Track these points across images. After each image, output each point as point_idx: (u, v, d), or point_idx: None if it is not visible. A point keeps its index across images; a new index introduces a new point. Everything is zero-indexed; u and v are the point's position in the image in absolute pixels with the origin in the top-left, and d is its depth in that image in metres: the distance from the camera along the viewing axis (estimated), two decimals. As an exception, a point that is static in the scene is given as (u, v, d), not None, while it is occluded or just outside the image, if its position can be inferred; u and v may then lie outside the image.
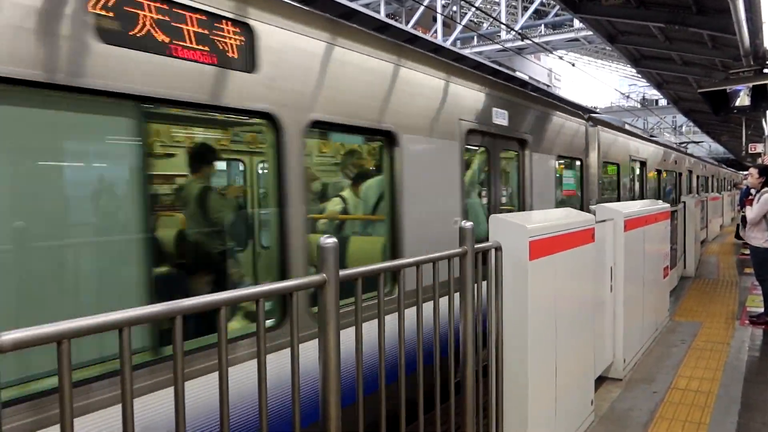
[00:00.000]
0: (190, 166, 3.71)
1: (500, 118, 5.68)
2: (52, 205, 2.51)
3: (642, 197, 11.55)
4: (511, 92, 6.03)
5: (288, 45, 3.30)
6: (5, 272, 2.30)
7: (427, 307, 2.59)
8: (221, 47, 2.89)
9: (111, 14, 2.43)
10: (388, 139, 4.16)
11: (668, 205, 7.51)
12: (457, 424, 2.86)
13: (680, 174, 16.36)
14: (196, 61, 2.77)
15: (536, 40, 22.42)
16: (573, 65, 17.48)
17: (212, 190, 3.73)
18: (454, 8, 28.14)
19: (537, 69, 35.94)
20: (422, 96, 4.54)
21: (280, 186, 3.22)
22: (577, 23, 22.67)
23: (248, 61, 3.04)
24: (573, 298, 3.85)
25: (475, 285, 2.89)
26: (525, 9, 26.24)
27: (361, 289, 2.18)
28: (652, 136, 16.68)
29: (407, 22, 25.98)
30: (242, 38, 3.00)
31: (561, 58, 19.33)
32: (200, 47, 2.79)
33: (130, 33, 2.50)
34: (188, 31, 2.73)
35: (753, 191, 8.05)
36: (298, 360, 1.92)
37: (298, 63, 3.36)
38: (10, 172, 2.36)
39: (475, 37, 26.78)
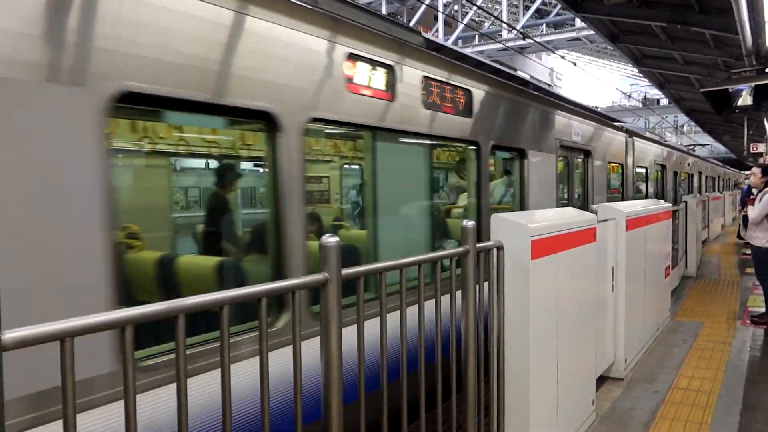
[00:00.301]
0: (459, 172, 6.48)
1: (577, 136, 7.84)
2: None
3: (663, 194, 13.63)
4: (581, 116, 8.20)
5: (484, 99, 5.36)
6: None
7: (430, 306, 2.59)
8: (459, 104, 4.97)
9: (431, 98, 4.61)
10: (520, 154, 6.24)
11: (669, 204, 7.51)
12: (459, 423, 2.86)
13: (692, 175, 18.50)
14: (449, 113, 4.83)
15: (537, 39, 22.41)
16: (575, 64, 17.44)
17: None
18: (456, 7, 28.13)
19: (538, 68, 35.92)
20: (540, 123, 6.65)
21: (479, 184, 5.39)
22: (578, 22, 22.66)
23: (468, 110, 5.09)
24: (574, 298, 3.84)
25: (477, 284, 2.89)
26: (526, 8, 26.23)
27: (363, 288, 2.18)
28: (665, 141, 17.86)
29: (408, 21, 25.99)
30: (465, 97, 5.06)
31: (563, 57, 19.28)
32: (451, 105, 4.86)
33: (431, 101, 4.60)
34: (449, 97, 4.85)
35: (754, 191, 8.04)
36: (300, 358, 1.92)
37: (488, 109, 5.44)
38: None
39: (477, 36, 26.79)
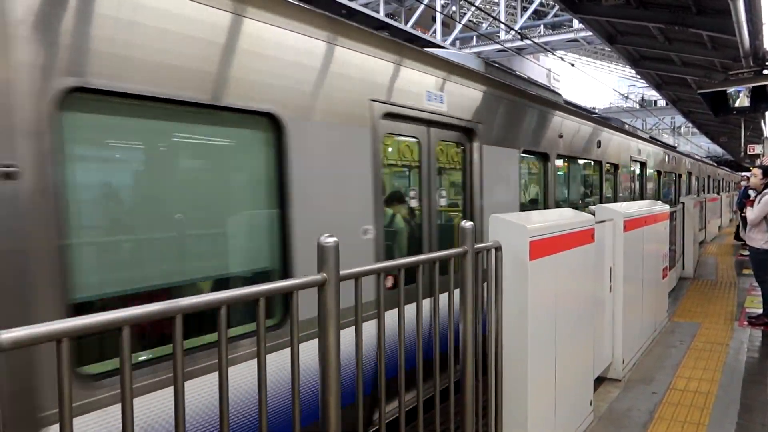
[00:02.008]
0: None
1: (640, 155, 11.15)
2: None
3: (677, 192, 15.54)
4: (641, 139, 11.38)
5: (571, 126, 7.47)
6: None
7: (429, 306, 2.59)
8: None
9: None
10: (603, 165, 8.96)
11: (667, 206, 7.52)
12: (457, 424, 2.85)
13: (699, 177, 20.41)
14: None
15: (535, 40, 22.42)
16: (573, 65, 17.46)
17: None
18: (454, 8, 28.14)
19: (536, 69, 35.96)
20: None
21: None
22: (576, 24, 22.69)
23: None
24: (572, 299, 3.84)
25: (476, 285, 2.88)
26: (524, 9, 26.26)
27: (361, 289, 2.17)
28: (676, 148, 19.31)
29: (406, 22, 25.98)
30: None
31: (562, 59, 19.31)
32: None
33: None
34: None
35: (752, 192, 8.05)
36: (298, 360, 1.91)
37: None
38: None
39: (475, 37, 26.79)
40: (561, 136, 7.06)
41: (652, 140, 13.55)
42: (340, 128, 3.57)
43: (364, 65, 3.80)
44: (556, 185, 7.13)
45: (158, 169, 2.85)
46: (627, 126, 12.08)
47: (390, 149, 4.41)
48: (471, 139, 5.11)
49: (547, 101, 6.84)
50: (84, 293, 2.40)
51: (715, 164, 30.00)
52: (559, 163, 7.45)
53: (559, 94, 8.08)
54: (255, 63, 3.02)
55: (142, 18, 2.54)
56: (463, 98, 4.94)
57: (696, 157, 22.57)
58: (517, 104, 5.90)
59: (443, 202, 4.97)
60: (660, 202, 8.14)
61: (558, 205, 7.17)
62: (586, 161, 8.53)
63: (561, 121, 7.08)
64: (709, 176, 22.99)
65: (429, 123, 4.58)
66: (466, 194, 5.16)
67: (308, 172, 3.31)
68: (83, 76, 2.33)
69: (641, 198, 10.92)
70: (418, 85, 4.36)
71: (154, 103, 2.62)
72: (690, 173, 18.02)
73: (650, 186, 12.04)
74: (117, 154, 2.75)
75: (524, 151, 6.09)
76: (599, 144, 8.64)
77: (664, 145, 15.07)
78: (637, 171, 11.02)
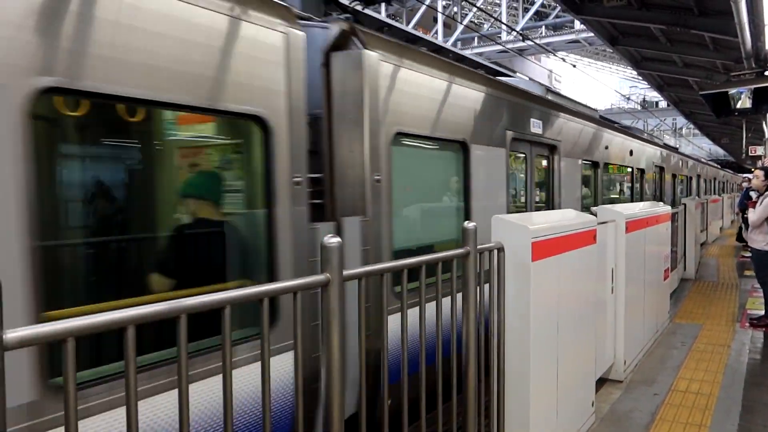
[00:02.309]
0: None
1: (660, 161, 12.80)
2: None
3: (689, 192, 17.21)
4: (659, 146, 13.32)
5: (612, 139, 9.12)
6: None
7: (430, 307, 2.59)
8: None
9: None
10: (633, 171, 10.83)
11: (669, 207, 7.52)
12: (459, 424, 2.85)
13: (706, 180, 22.09)
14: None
15: (537, 41, 22.42)
16: (574, 66, 17.46)
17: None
18: (455, 9, 28.14)
19: (537, 70, 35.95)
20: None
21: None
22: (577, 25, 22.68)
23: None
24: (574, 300, 3.84)
25: (478, 285, 2.88)
26: (526, 10, 26.25)
27: (363, 290, 2.17)
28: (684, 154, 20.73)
29: (408, 23, 26.00)
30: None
31: (564, 60, 19.30)
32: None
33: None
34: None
35: (753, 194, 8.04)
36: (300, 363, 1.91)
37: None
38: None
39: (476, 38, 26.80)
40: (606, 148, 8.83)
41: (666, 146, 15.33)
42: (493, 149, 5.22)
43: (502, 106, 5.45)
44: (603, 186, 8.90)
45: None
46: (646, 135, 14.42)
47: (512, 162, 5.99)
48: (553, 153, 6.84)
49: (597, 120, 8.78)
50: None
51: (719, 167, 31.21)
52: (605, 169, 9.14)
53: (596, 110, 9.75)
54: (457, 112, 4.67)
55: None
56: (549, 123, 6.59)
57: (702, 160, 25.03)
58: (578, 124, 7.64)
59: (537, 198, 6.65)
60: (661, 203, 8.28)
61: (603, 202, 8.60)
62: (622, 167, 10.30)
63: (605, 135, 8.83)
64: (714, 178, 25.74)
65: (531, 143, 6.21)
66: (549, 192, 6.91)
67: (478, 177, 4.87)
68: None
69: (661, 197, 12.82)
70: (529, 116, 6.09)
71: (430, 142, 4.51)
72: (699, 176, 20.00)
73: (666, 187, 14.09)
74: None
75: (583, 161, 7.86)
76: (631, 152, 10.38)
77: (677, 152, 17.36)
78: (657, 175, 12.76)
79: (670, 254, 7.69)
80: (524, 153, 6.10)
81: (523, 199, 6.35)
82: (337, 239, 1.94)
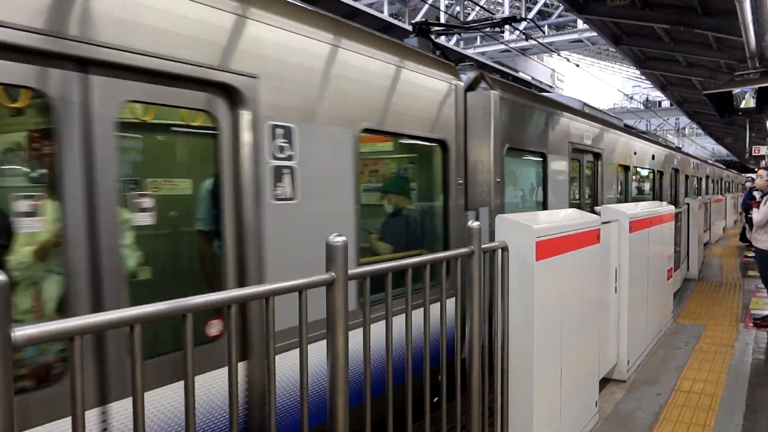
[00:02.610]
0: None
1: (675, 164, 14.31)
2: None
3: (699, 191, 18.84)
4: (675, 150, 15.14)
5: (638, 145, 10.86)
6: None
7: (434, 307, 2.59)
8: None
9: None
10: (655, 172, 12.23)
11: (672, 207, 7.52)
12: (463, 424, 2.85)
13: (714, 180, 24.02)
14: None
15: (540, 40, 22.39)
16: (578, 66, 17.44)
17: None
18: (458, 8, 28.10)
19: (540, 69, 35.90)
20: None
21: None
22: (580, 24, 22.65)
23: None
24: (578, 299, 3.84)
25: (482, 285, 2.88)
26: (528, 9, 26.21)
27: (368, 289, 2.17)
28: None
29: (410, 21, 25.95)
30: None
31: (568, 60, 19.28)
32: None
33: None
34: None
35: (757, 194, 8.02)
36: (307, 359, 1.91)
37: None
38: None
39: (479, 37, 26.78)
40: (635, 153, 10.36)
41: (678, 150, 17.40)
42: (560, 157, 6.71)
43: (565, 122, 6.90)
44: (633, 186, 10.78)
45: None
46: (661, 140, 17.21)
47: (571, 167, 7.35)
48: (598, 159, 8.35)
49: (626, 129, 10.72)
50: None
51: (724, 167, 32.97)
52: (633, 171, 10.88)
53: (620, 120, 11.49)
54: (540, 131, 6.20)
55: None
56: (594, 135, 8.08)
57: (710, 162, 27.45)
58: (613, 134, 9.12)
59: (586, 195, 8.30)
60: (664, 202, 8.37)
61: (634, 200, 10.00)
62: (646, 170, 11.86)
63: (633, 143, 10.40)
64: (721, 178, 28.19)
65: (582, 151, 7.69)
66: (595, 191, 8.41)
67: (552, 177, 6.43)
68: None
69: (676, 195, 14.37)
70: (585, 130, 7.70)
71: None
72: (707, 176, 21.90)
73: (680, 186, 15.72)
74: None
75: (618, 165, 9.40)
76: (653, 157, 11.84)
77: (687, 155, 19.22)
78: (673, 176, 14.30)
79: (674, 254, 7.68)
80: (578, 160, 7.68)
81: (577, 196, 7.93)
82: (342, 238, 1.95)
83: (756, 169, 9.96)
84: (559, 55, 22.20)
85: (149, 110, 2.69)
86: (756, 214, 6.93)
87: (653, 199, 11.20)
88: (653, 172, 12.11)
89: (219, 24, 2.74)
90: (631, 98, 38.80)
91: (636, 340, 5.42)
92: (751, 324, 6.95)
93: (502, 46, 23.73)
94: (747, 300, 8.44)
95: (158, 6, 2.49)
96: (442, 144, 4.50)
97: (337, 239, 1.94)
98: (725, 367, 5.39)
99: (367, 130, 3.71)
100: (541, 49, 25.12)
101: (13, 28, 2.02)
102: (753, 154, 21.95)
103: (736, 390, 4.81)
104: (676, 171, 14.42)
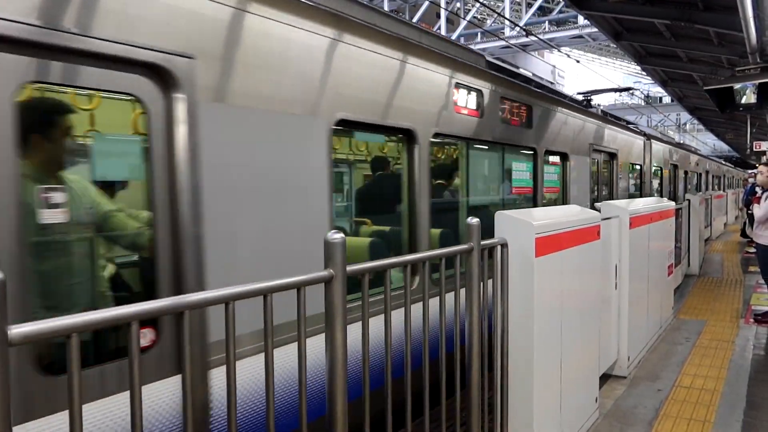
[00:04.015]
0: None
1: (694, 164, 18.06)
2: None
3: (712, 186, 21.65)
4: (693, 152, 18.47)
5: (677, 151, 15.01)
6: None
7: (432, 303, 2.58)
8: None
9: None
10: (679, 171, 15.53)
11: (673, 203, 7.50)
12: (463, 420, 2.85)
13: (724, 176, 27.45)
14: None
15: (540, 36, 22.33)
16: (578, 62, 17.40)
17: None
18: (458, 4, 28.04)
19: (540, 65, 35.83)
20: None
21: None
22: (581, 20, 22.59)
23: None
24: (578, 296, 3.83)
25: (481, 281, 2.88)
26: (529, 5, 26.14)
27: (367, 285, 2.17)
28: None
29: (411, 18, 25.92)
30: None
31: (568, 55, 19.23)
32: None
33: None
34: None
35: (758, 190, 8.01)
36: (305, 357, 1.91)
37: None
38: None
39: (479, 34, 26.73)
40: (673, 155, 13.61)
41: (680, 145, 18.58)
42: (582, 158, 7.76)
43: (588, 126, 7.95)
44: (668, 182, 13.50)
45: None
46: (685, 145, 19.70)
47: (593, 167, 8.45)
48: (613, 159, 9.45)
49: (639, 132, 11.92)
50: None
51: (732, 165, 36.18)
52: (666, 171, 13.42)
53: (637, 126, 13.48)
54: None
55: None
56: (611, 137, 9.16)
57: (712, 158, 29.48)
58: (627, 136, 10.38)
59: (604, 191, 9.29)
60: (666, 199, 8.53)
61: (648, 194, 11.53)
62: (682, 170, 14.88)
63: (670, 149, 13.37)
64: (730, 174, 31.41)
65: (601, 152, 8.82)
66: (611, 187, 9.39)
67: (574, 175, 7.45)
68: None
69: (698, 189, 17.13)
70: (603, 133, 8.79)
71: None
72: (707, 172, 23.76)
73: (695, 182, 18.38)
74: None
75: (631, 164, 10.69)
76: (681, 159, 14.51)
77: (699, 154, 21.57)
78: (696, 175, 17.42)
79: (674, 250, 7.67)
80: (597, 159, 8.57)
81: (596, 191, 8.75)
82: (340, 235, 1.94)
83: (757, 165, 9.95)
84: (559, 51, 22.14)
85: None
86: (757, 210, 6.91)
87: (661, 195, 12.75)
88: (684, 172, 14.96)
89: None
90: (632, 94, 38.72)
91: (636, 336, 5.41)
92: (751, 320, 6.95)
93: (503, 43, 23.67)
94: (748, 296, 8.43)
95: None
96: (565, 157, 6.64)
97: (336, 236, 1.93)
98: (726, 363, 5.38)
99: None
100: (542, 45, 25.06)
101: None
102: (754, 149, 21.91)
103: (736, 386, 4.80)
104: (694, 171, 17.22)
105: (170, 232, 2.46)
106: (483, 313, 2.89)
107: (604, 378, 4.85)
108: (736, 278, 10.03)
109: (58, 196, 2.22)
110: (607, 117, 9.71)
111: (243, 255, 2.74)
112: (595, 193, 8.66)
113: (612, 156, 9.27)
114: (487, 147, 5.61)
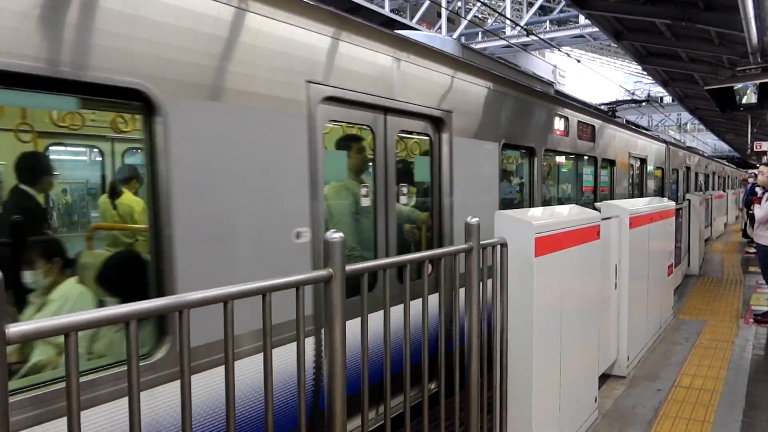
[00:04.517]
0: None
1: (703, 167, 19.99)
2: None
3: (718, 185, 23.37)
4: (702, 156, 20.64)
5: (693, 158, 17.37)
6: None
7: (432, 303, 2.58)
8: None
9: None
10: (691, 172, 17.27)
11: (673, 203, 7.50)
12: (462, 419, 2.85)
13: (728, 177, 28.45)
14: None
15: (541, 36, 22.32)
16: (579, 61, 17.38)
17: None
18: (459, 4, 28.03)
19: (541, 65, 35.82)
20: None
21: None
22: (582, 19, 22.58)
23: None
24: (578, 295, 3.83)
25: (481, 281, 2.88)
26: (530, 5, 26.13)
27: (366, 285, 2.17)
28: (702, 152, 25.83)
29: (412, 18, 25.92)
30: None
31: (568, 55, 19.22)
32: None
33: None
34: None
35: (759, 190, 8.01)
36: (304, 358, 1.91)
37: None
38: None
39: (480, 33, 26.72)
40: (687, 159, 15.32)
41: (690, 149, 20.22)
42: (623, 162, 9.07)
43: (628, 138, 9.34)
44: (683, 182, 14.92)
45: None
46: (695, 149, 21.91)
47: (630, 170, 10.06)
48: (643, 163, 11.04)
49: (658, 138, 13.25)
50: None
51: (734, 166, 36.69)
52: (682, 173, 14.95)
53: (654, 132, 15.77)
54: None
55: None
56: (633, 144, 10.27)
57: (716, 160, 30.35)
58: (645, 141, 11.36)
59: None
60: (666, 199, 8.47)
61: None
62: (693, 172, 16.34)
63: (687, 154, 15.19)
64: (734, 175, 32.77)
65: (639, 158, 10.49)
66: (642, 187, 10.97)
67: (618, 176, 8.74)
68: None
69: (706, 188, 18.29)
70: (640, 144, 10.66)
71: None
72: (714, 173, 25.07)
73: (702, 181, 19.54)
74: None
75: (655, 167, 12.00)
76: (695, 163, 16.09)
77: (707, 157, 23.38)
78: (703, 175, 18.90)
79: (674, 250, 7.67)
80: (633, 164, 9.81)
81: (631, 189, 10.04)
82: (340, 234, 1.94)
83: (758, 165, 9.94)
84: (560, 50, 22.13)
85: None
86: (758, 210, 6.91)
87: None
88: (695, 174, 16.54)
89: None
90: (633, 94, 38.68)
91: (636, 336, 5.41)
92: (751, 320, 6.95)
93: (503, 42, 23.66)
94: (748, 296, 8.43)
95: None
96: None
97: (335, 236, 1.93)
98: (725, 363, 5.39)
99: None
100: (543, 45, 25.05)
101: None
102: (755, 149, 21.88)
103: (735, 386, 4.80)
104: (704, 173, 18.77)
105: (438, 220, 4.39)
106: (482, 313, 2.89)
107: (604, 378, 4.86)
108: (736, 278, 10.02)
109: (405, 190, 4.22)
110: (639, 129, 12.25)
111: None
112: (631, 190, 10.35)
113: (642, 161, 11.03)
114: (572, 158, 7.84)
